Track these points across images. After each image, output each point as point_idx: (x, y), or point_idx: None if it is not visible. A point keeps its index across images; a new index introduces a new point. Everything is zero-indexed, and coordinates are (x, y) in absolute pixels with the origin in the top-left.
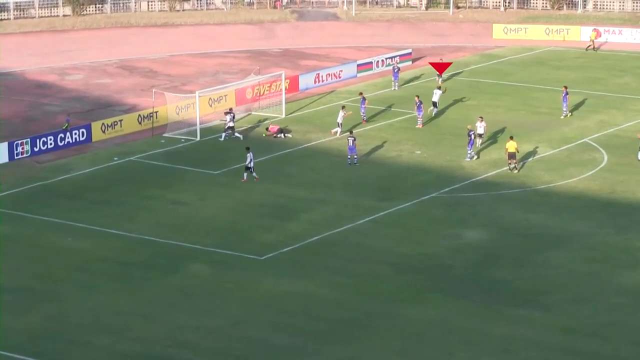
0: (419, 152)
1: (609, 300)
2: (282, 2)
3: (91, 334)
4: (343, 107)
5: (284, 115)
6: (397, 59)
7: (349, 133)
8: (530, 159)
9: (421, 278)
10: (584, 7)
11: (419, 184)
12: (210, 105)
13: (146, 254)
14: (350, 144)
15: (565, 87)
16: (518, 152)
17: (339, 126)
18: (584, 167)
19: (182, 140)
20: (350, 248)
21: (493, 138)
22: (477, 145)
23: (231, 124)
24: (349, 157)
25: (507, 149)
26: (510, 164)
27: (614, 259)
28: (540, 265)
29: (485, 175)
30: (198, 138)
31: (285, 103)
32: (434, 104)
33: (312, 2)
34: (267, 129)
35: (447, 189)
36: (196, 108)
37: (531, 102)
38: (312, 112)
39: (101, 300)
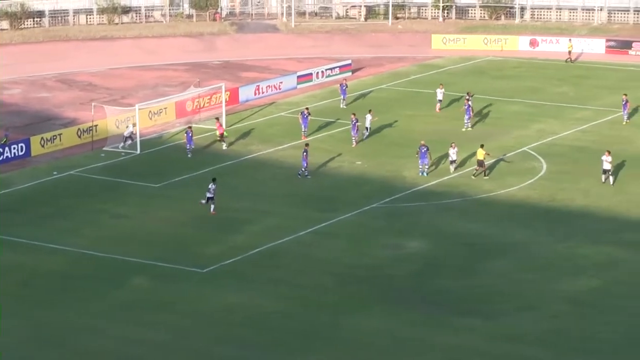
0: (359, 162)
1: (551, 307)
2: (221, 14)
3: (35, 349)
4: (370, 111)
5: (224, 128)
6: (344, 72)
7: (305, 145)
8: (471, 168)
9: (365, 288)
10: (522, 17)
11: (361, 195)
12: (150, 118)
13: (89, 268)
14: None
15: (468, 100)
16: (489, 155)
17: (366, 130)
18: (523, 175)
19: (122, 153)
20: (294, 259)
21: (433, 148)
22: (451, 171)
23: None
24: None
25: (476, 157)
26: (476, 170)
27: (555, 267)
28: (483, 274)
29: (426, 185)
30: (138, 151)
31: (226, 115)
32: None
33: (252, 14)
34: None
35: (388, 199)
36: (136, 121)
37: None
38: (253, 123)
39: (45, 316)
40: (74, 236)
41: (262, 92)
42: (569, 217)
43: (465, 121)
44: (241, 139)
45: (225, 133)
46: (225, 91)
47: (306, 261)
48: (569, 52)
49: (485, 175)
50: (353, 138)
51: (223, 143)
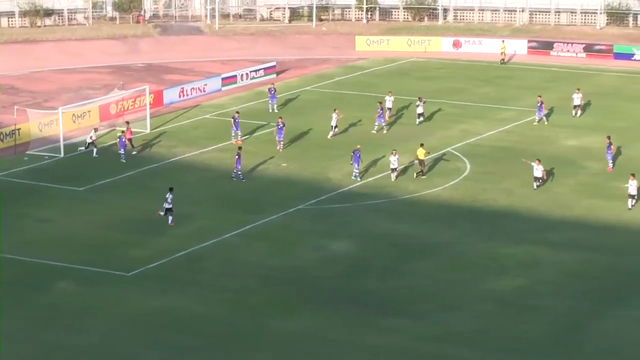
0: (285, 164)
1: (477, 307)
2: (144, 16)
3: None
4: (335, 110)
5: (149, 130)
6: (269, 74)
7: (237, 148)
8: (402, 168)
9: (291, 290)
10: (445, 18)
11: (287, 196)
12: (74, 122)
13: (13, 273)
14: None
15: (380, 103)
16: (429, 154)
17: (332, 129)
18: (447, 176)
19: (46, 157)
20: (219, 262)
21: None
22: (392, 179)
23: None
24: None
25: (417, 156)
26: (421, 170)
27: (479, 267)
28: (409, 274)
29: (352, 186)
30: (62, 155)
31: (150, 118)
32: (420, 115)
33: (175, 17)
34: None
35: (314, 201)
36: (59, 124)
37: (396, 113)
38: (177, 126)
39: None
40: None
41: (187, 95)
42: (493, 217)
43: (380, 123)
44: (166, 142)
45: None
46: (150, 94)
47: (232, 264)
48: (502, 54)
49: (416, 176)
50: (279, 142)
51: (133, 148)
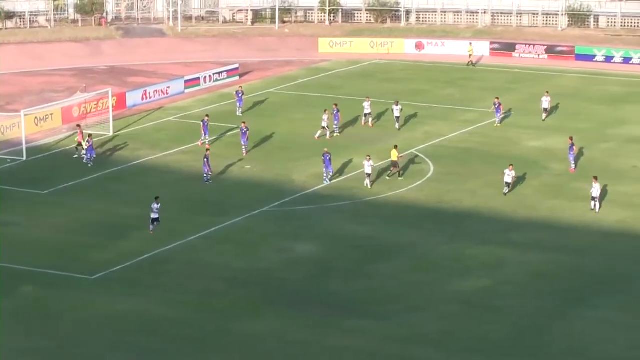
0: (248, 166)
1: (440, 308)
2: (107, 19)
3: None
4: (326, 111)
5: (112, 133)
6: (232, 77)
7: (206, 151)
8: (360, 170)
9: (256, 292)
10: (407, 20)
11: (251, 199)
12: (37, 125)
13: None
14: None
15: (336, 105)
16: (402, 158)
17: (322, 129)
18: (411, 178)
19: (8, 160)
20: (184, 264)
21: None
22: (367, 186)
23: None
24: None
25: (391, 157)
26: (391, 171)
27: (444, 268)
28: (373, 275)
29: (316, 188)
30: (24, 158)
31: (113, 121)
32: (397, 119)
33: (138, 19)
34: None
35: (277, 203)
36: (22, 127)
37: (359, 115)
38: (141, 128)
39: None
40: None
41: (150, 97)
42: (457, 218)
43: (334, 127)
44: (129, 145)
45: (83, 143)
46: (112, 96)
47: (196, 266)
48: (470, 56)
49: (399, 176)
50: (243, 147)
51: (82, 151)
